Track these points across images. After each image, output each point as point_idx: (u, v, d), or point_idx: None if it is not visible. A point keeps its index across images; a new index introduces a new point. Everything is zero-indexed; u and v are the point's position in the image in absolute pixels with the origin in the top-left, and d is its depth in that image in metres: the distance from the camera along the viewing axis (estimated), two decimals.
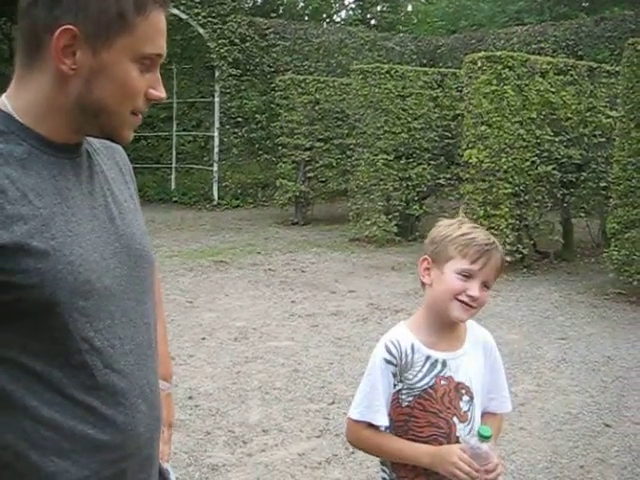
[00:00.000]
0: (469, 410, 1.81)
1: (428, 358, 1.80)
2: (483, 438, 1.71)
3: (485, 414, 1.89)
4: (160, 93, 1.29)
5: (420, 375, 1.79)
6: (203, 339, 5.83)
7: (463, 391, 1.81)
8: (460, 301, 1.77)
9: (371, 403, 1.79)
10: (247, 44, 14.78)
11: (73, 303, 1.17)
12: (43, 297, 1.14)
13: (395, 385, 1.80)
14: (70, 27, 1.16)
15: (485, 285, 1.79)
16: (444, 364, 1.80)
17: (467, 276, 1.77)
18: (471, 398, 1.82)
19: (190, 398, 4.55)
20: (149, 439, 1.31)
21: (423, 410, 1.78)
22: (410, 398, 1.79)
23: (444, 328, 1.83)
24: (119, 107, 1.24)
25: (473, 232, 1.81)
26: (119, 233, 1.30)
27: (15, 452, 1.16)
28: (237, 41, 14.53)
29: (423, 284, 1.86)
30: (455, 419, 1.79)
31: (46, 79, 1.21)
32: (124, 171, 1.44)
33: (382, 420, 1.79)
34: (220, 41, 14.28)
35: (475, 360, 1.85)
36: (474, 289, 1.76)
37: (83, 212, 1.24)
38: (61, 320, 1.16)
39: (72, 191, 1.24)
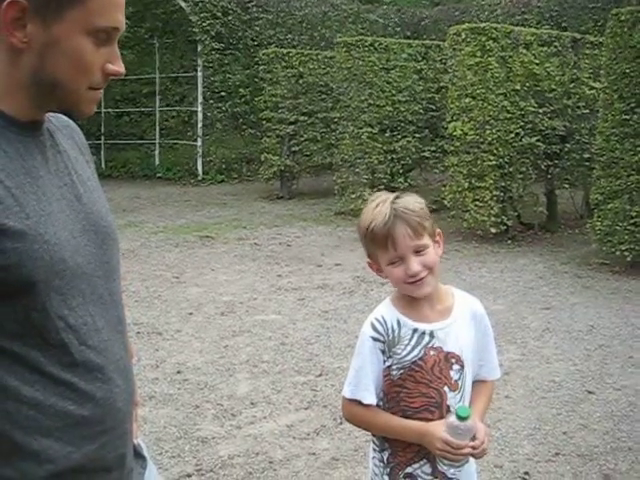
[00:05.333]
0: (460, 379, 1.83)
1: (415, 331, 1.81)
2: (461, 419, 1.72)
3: (476, 382, 1.91)
4: (118, 68, 1.24)
5: (408, 348, 1.80)
6: (190, 314, 5.85)
7: (453, 360, 1.82)
8: (409, 282, 1.78)
9: (359, 382, 1.81)
10: (230, 17, 14.62)
11: (50, 282, 1.17)
12: (22, 277, 1.13)
13: (385, 361, 1.81)
14: None
15: (418, 251, 1.77)
16: (432, 335, 1.81)
17: (397, 261, 1.78)
18: (462, 367, 1.83)
19: (178, 372, 4.58)
20: (126, 413, 1.32)
21: (414, 381, 1.80)
22: (401, 371, 1.81)
23: (424, 301, 1.85)
24: (74, 82, 1.21)
25: (372, 218, 1.78)
26: (86, 211, 1.30)
27: None
28: (219, 14, 14.38)
29: None
30: (446, 388, 1.81)
31: (2, 55, 1.18)
32: (83, 150, 1.43)
33: (370, 399, 1.81)
34: (202, 15, 14.12)
35: (465, 329, 1.87)
36: (410, 266, 1.76)
37: (51, 191, 1.23)
38: (38, 299, 1.16)
39: (39, 170, 1.23)
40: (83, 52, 1.19)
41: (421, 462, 1.83)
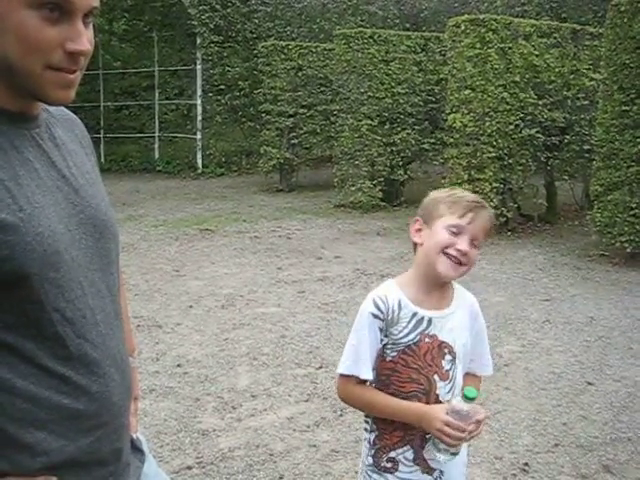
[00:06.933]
0: (451, 369, 1.85)
1: (414, 315, 1.82)
2: (468, 399, 1.74)
3: (467, 374, 1.93)
4: (79, 45, 1.15)
5: (405, 331, 1.81)
6: (190, 307, 5.85)
7: (446, 350, 1.84)
8: (448, 255, 1.80)
9: (358, 357, 1.82)
10: (228, 10, 14.60)
11: (44, 274, 1.16)
12: (14, 269, 1.12)
13: (382, 340, 1.82)
14: None
15: (474, 243, 1.81)
16: (430, 322, 1.83)
17: (455, 232, 1.80)
18: (453, 358, 1.85)
19: (179, 366, 4.59)
20: (122, 407, 1.31)
21: (405, 366, 1.82)
22: (394, 353, 1.82)
23: (432, 287, 1.86)
24: (26, 62, 1.14)
25: (463, 193, 1.87)
26: (84, 204, 1.29)
27: None
28: (218, 7, 14.35)
29: (415, 245, 1.89)
30: (436, 377, 1.83)
31: None
32: (84, 143, 1.42)
33: (367, 374, 1.81)
34: (201, 7, 14.09)
35: (461, 322, 1.88)
36: (462, 243, 1.79)
37: (47, 184, 1.22)
38: (33, 292, 1.15)
39: (34, 163, 1.21)
40: (28, 27, 1.12)
41: (404, 448, 1.85)
